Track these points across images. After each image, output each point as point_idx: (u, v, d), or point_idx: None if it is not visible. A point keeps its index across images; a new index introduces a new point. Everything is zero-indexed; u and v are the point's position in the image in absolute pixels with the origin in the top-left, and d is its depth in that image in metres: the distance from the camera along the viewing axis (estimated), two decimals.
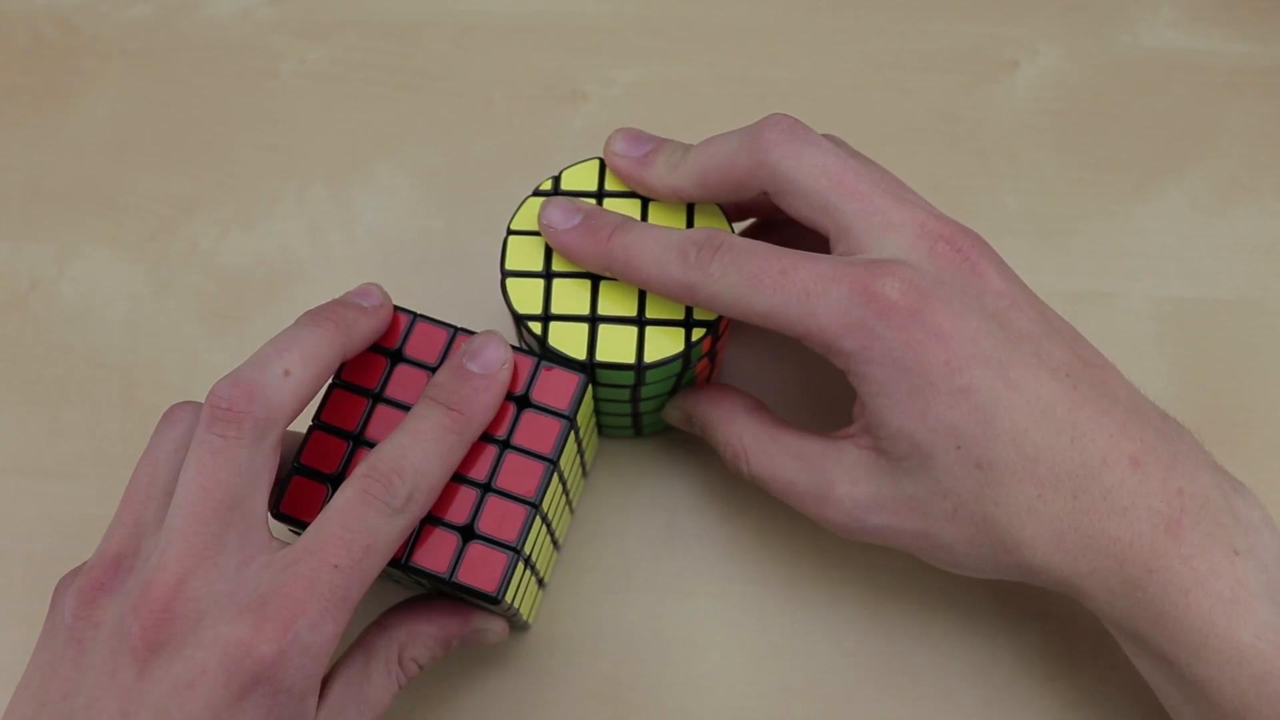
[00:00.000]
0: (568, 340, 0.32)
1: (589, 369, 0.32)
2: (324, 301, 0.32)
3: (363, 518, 0.27)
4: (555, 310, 0.32)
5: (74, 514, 0.39)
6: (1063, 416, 0.28)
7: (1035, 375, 0.28)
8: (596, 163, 0.34)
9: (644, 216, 0.33)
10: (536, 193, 0.34)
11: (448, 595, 0.32)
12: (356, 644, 0.31)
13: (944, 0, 0.46)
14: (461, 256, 0.42)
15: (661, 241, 0.31)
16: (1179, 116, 0.44)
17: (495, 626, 0.33)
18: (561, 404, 0.31)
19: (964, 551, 0.29)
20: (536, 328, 0.32)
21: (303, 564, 0.27)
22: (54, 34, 0.47)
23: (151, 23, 0.47)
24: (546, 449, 0.31)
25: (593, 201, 0.34)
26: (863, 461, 0.30)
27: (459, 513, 0.30)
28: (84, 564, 0.29)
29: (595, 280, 0.33)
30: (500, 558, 0.30)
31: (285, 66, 0.46)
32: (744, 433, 0.33)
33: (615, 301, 0.32)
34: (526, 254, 0.33)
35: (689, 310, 0.32)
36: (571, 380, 0.31)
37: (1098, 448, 0.28)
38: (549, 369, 0.32)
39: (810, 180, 0.30)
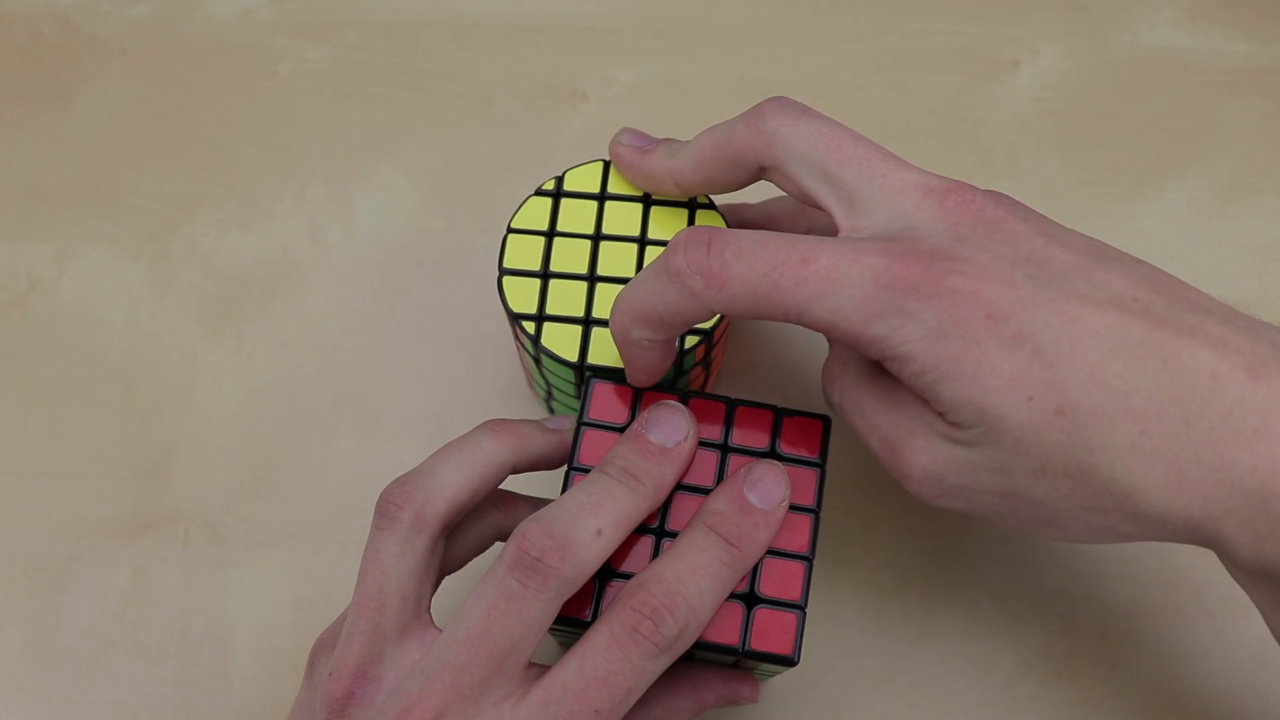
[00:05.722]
0: (561, 342, 0.32)
1: (580, 370, 0.32)
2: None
3: (628, 658, 0.25)
4: (550, 311, 0.32)
5: (74, 514, 0.39)
6: (1141, 339, 0.25)
7: (1092, 306, 0.25)
8: (600, 164, 0.34)
9: (645, 219, 0.33)
10: (539, 192, 0.34)
11: (695, 662, 0.31)
12: None
13: (944, 0, 0.46)
14: (461, 256, 0.42)
15: (643, 278, 0.28)
16: (1179, 116, 0.44)
17: (747, 692, 0.31)
18: (812, 452, 0.30)
19: (1065, 510, 0.26)
20: (530, 327, 0.32)
21: (563, 704, 0.25)
22: (54, 34, 0.47)
23: (151, 22, 0.47)
24: (809, 500, 0.30)
25: (594, 204, 0.34)
26: (940, 425, 0.27)
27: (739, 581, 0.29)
28: (333, 632, 0.29)
29: (591, 282, 0.33)
30: (789, 618, 0.29)
31: (285, 66, 0.46)
32: (849, 362, 0.30)
33: (611, 305, 0.32)
34: (525, 253, 0.33)
35: None
36: (815, 427, 0.30)
37: (1200, 364, 0.24)
38: (790, 417, 0.30)
39: (807, 147, 0.29)
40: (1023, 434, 0.25)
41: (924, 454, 0.27)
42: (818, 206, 0.29)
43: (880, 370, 0.29)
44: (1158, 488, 0.24)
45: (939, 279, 0.25)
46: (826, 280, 0.26)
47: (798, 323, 0.27)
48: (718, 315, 0.32)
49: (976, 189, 0.27)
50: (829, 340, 0.31)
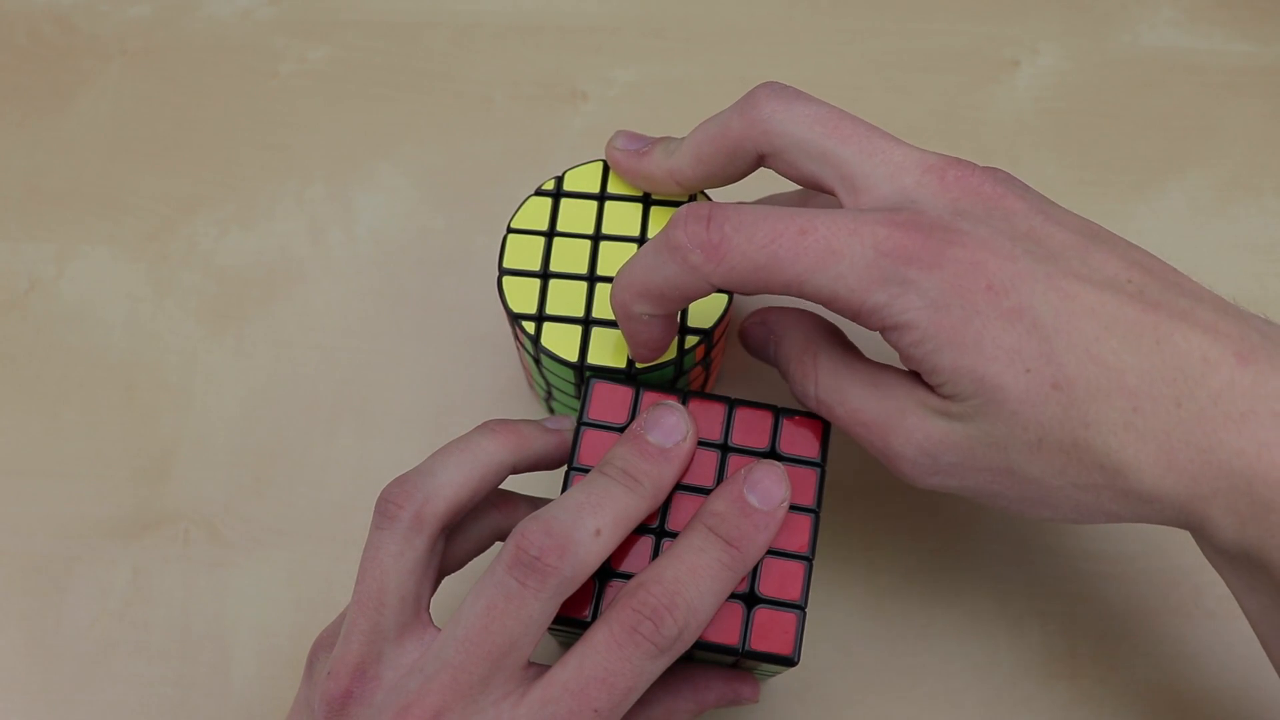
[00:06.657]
0: (561, 342, 0.32)
1: (579, 370, 0.32)
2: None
3: (627, 658, 0.26)
4: (550, 311, 0.32)
5: (74, 514, 0.39)
6: (1135, 319, 0.25)
7: (1088, 284, 0.25)
8: (600, 164, 0.34)
9: (645, 219, 0.33)
10: (539, 192, 0.34)
11: (695, 662, 0.31)
12: None
13: (944, 0, 0.46)
14: (461, 256, 0.42)
15: (644, 253, 0.28)
16: (1179, 116, 0.44)
17: (747, 692, 0.32)
18: (812, 452, 0.30)
19: (1056, 487, 0.26)
20: (530, 327, 0.32)
21: (562, 704, 0.25)
22: (54, 34, 0.47)
23: (151, 22, 0.47)
24: (809, 500, 0.30)
25: (594, 204, 0.34)
26: (933, 401, 0.27)
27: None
28: (332, 631, 0.29)
29: (591, 282, 0.33)
30: (789, 618, 0.29)
31: (285, 66, 0.46)
32: (820, 352, 0.30)
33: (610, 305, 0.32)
34: (525, 253, 0.33)
35: (683, 316, 0.32)
36: (815, 427, 0.30)
37: (1192, 347, 0.25)
38: (790, 418, 0.31)
39: (804, 129, 0.29)
40: (1020, 406, 0.25)
41: (918, 432, 0.27)
42: (820, 188, 0.29)
43: (855, 356, 0.29)
44: (1148, 466, 0.25)
45: (940, 249, 0.26)
46: (826, 250, 0.26)
47: (798, 295, 0.27)
48: (717, 316, 0.32)
49: (975, 165, 0.28)
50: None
